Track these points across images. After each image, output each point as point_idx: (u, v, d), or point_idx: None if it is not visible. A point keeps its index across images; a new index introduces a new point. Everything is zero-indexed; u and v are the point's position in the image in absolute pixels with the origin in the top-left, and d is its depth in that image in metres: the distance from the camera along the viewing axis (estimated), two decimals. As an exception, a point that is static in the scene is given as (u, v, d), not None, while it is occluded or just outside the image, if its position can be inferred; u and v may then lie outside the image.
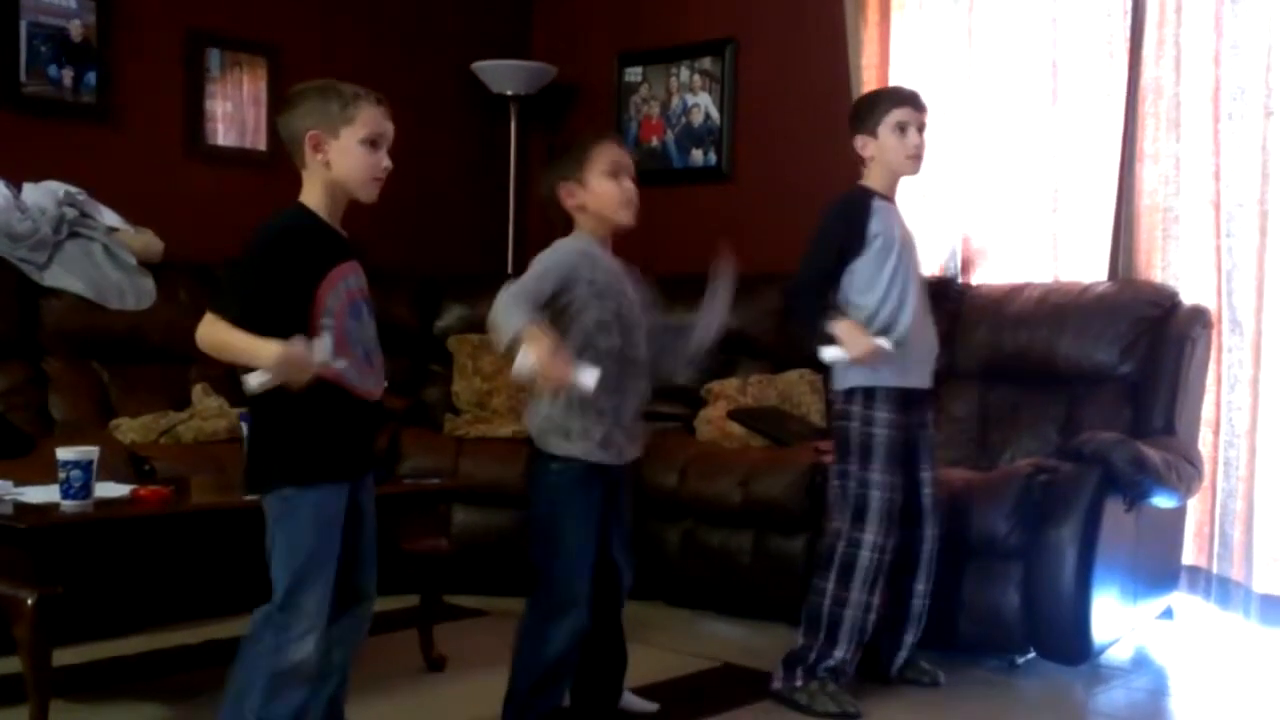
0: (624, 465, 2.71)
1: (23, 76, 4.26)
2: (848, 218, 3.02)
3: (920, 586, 3.13)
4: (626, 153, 2.72)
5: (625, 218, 2.67)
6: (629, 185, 2.66)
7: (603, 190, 2.64)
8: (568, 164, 2.67)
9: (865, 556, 2.97)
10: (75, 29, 4.37)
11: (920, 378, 3.08)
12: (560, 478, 2.63)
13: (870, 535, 2.97)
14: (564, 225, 2.71)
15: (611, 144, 2.70)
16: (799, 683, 3.00)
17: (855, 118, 3.11)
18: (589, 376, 2.43)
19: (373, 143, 2.32)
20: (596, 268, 2.63)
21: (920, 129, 3.08)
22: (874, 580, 2.98)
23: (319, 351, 2.21)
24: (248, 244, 2.29)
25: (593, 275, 2.61)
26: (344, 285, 2.31)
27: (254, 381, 2.19)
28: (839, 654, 2.99)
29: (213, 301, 2.29)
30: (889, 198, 3.09)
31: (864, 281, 3.00)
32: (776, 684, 3.05)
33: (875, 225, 3.01)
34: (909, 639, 3.16)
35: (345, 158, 2.31)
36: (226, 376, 3.82)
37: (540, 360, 2.38)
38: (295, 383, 2.21)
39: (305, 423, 2.30)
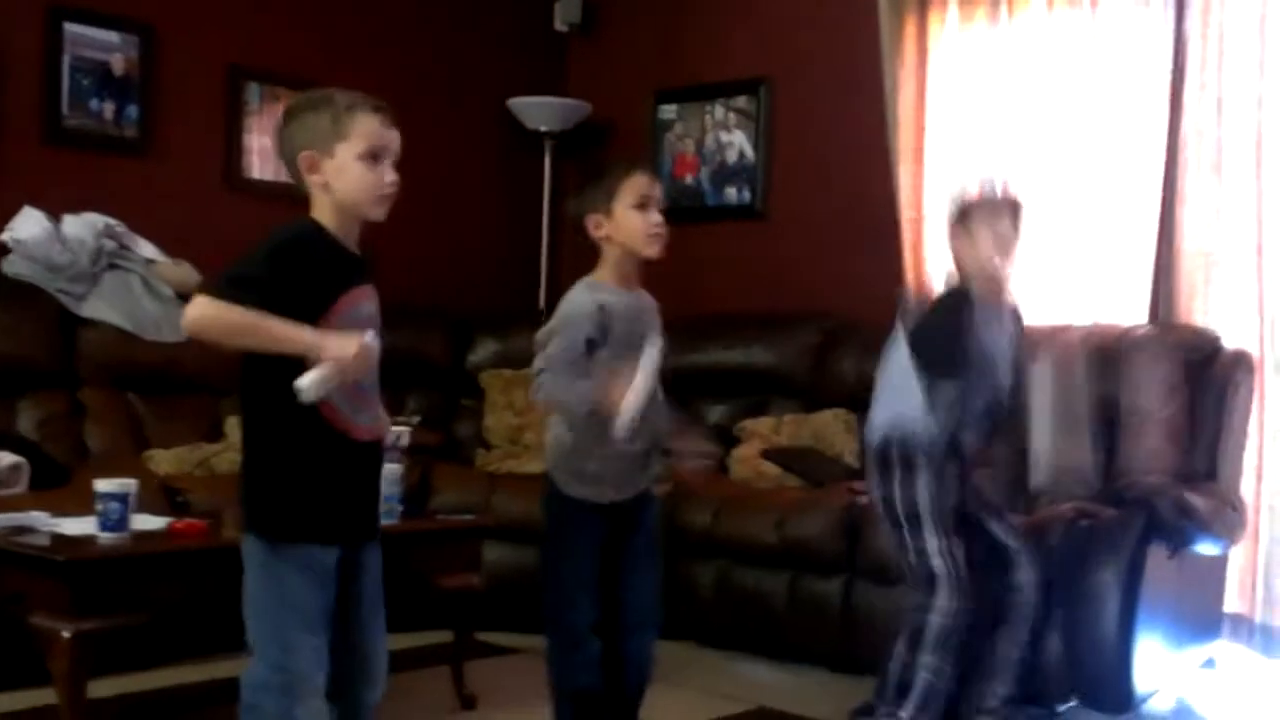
0: (637, 498, 2.70)
1: (65, 110, 4.30)
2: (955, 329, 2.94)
3: (1017, 635, 3.03)
4: (656, 183, 2.68)
5: (651, 250, 2.65)
6: (656, 218, 2.63)
7: (629, 222, 2.63)
8: (596, 194, 2.66)
9: (936, 621, 2.91)
10: (117, 63, 4.42)
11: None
12: (564, 515, 2.65)
13: (942, 600, 2.91)
14: (591, 250, 2.72)
15: (641, 176, 2.67)
16: None
17: (952, 215, 3.04)
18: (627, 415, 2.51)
19: (374, 156, 2.09)
20: (609, 315, 2.62)
21: (1016, 228, 3.00)
22: (946, 646, 2.92)
23: (373, 342, 2.00)
24: (257, 244, 2.04)
25: (607, 323, 2.61)
26: (354, 314, 2.09)
27: (311, 384, 1.94)
28: (904, 714, 2.93)
29: (212, 286, 2.00)
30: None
31: None
32: None
33: None
34: (987, 688, 3.04)
35: (343, 177, 2.08)
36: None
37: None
38: (352, 376, 1.97)
39: (299, 466, 2.07)
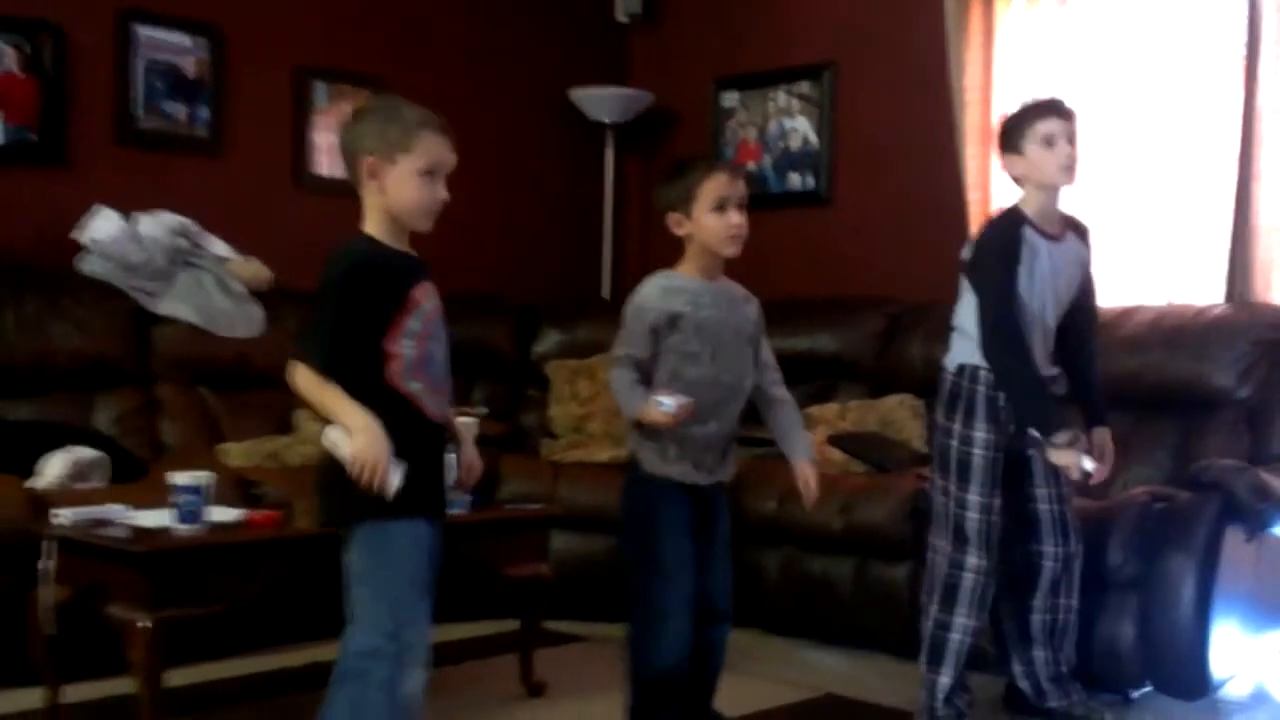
0: (715, 485, 2.73)
1: (139, 111, 4.40)
2: (1003, 247, 2.89)
3: (1038, 602, 3.03)
4: (736, 181, 2.70)
5: (729, 250, 2.69)
6: (734, 219, 2.66)
7: (708, 224, 2.66)
8: (677, 192, 2.69)
9: (969, 579, 2.93)
10: (189, 65, 4.51)
11: None
12: (651, 495, 2.68)
13: (973, 559, 2.93)
14: (659, 241, 2.77)
15: (720, 176, 2.68)
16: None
17: (1001, 137, 3.00)
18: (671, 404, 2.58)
19: (430, 173, 2.25)
20: (683, 299, 2.65)
21: (1070, 139, 2.90)
22: (979, 603, 2.95)
23: (395, 475, 2.17)
24: (320, 282, 2.23)
25: (679, 308, 2.64)
26: (421, 310, 2.26)
27: (335, 439, 2.19)
28: (944, 679, 2.96)
29: (298, 346, 2.25)
30: (1041, 224, 2.93)
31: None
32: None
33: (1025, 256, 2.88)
34: (1039, 655, 3.05)
35: (401, 188, 2.24)
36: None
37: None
38: (365, 463, 2.14)
39: (398, 446, 2.21)
